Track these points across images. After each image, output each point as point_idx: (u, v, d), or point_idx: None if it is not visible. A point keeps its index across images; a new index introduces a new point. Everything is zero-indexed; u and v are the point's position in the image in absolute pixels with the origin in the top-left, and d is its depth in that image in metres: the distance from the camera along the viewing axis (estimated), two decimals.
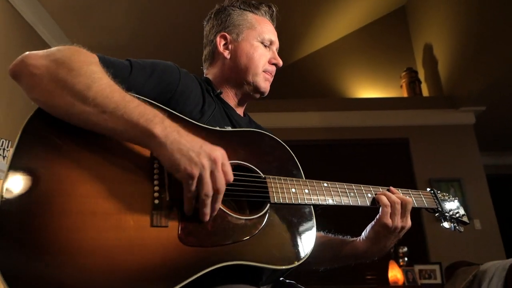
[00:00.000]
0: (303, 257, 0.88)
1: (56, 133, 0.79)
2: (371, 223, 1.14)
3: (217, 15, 1.31)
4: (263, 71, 1.25)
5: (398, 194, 1.13)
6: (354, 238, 1.19)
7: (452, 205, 1.32)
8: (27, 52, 0.84)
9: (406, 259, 4.41)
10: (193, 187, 0.78)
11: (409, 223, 1.13)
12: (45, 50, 0.85)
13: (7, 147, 2.74)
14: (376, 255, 1.15)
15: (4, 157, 2.68)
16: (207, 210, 0.80)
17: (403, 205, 1.11)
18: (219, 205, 0.82)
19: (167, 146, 0.78)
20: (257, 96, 1.28)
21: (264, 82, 1.26)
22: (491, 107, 5.13)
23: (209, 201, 0.79)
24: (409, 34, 6.59)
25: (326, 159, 5.18)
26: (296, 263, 0.86)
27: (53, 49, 0.85)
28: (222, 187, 0.79)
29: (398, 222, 1.10)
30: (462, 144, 5.18)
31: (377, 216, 1.11)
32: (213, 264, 0.76)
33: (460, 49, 5.14)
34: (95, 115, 0.78)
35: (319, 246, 1.19)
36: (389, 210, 1.09)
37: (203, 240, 0.79)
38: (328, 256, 1.21)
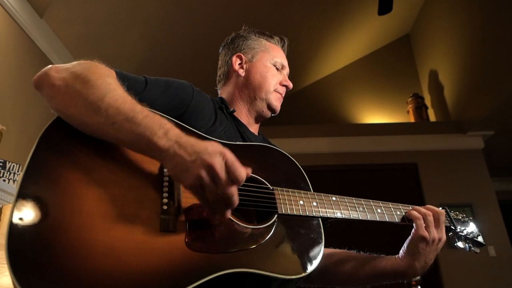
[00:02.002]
0: (311, 268, 0.87)
1: (71, 141, 0.82)
2: (407, 240, 1.13)
3: (233, 40, 1.39)
4: (274, 91, 1.30)
5: (428, 207, 1.14)
6: (390, 256, 1.16)
7: (466, 225, 1.29)
8: (50, 65, 0.89)
9: (419, 287, 4.28)
10: (201, 196, 0.78)
11: (444, 235, 1.12)
12: (67, 64, 0.90)
13: (18, 171, 2.77)
14: (418, 272, 1.11)
15: (14, 181, 2.71)
16: (219, 215, 0.79)
17: (435, 216, 1.12)
18: (228, 213, 0.80)
19: (168, 159, 0.78)
20: (269, 114, 1.32)
21: (276, 101, 1.31)
22: (499, 132, 5.11)
23: (219, 206, 0.78)
24: (414, 60, 6.68)
25: (335, 184, 5.13)
26: (303, 274, 0.85)
27: (74, 62, 0.90)
28: (226, 189, 0.76)
29: (435, 233, 1.09)
30: (471, 169, 5.12)
31: (413, 231, 1.11)
32: (219, 271, 0.75)
33: (465, 74, 5.18)
34: (106, 126, 0.80)
35: (349, 263, 1.18)
36: (422, 222, 1.10)
37: (209, 247, 0.79)
38: (364, 275, 1.16)
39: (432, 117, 6.10)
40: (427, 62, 6.28)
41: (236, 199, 0.78)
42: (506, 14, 4.26)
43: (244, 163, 1.00)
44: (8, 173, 2.73)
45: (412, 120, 5.92)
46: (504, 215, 4.87)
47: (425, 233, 1.08)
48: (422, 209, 1.13)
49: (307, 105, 6.41)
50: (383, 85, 6.46)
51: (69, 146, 0.81)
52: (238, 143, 1.08)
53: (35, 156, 0.76)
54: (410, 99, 6.03)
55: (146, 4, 4.01)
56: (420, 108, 5.93)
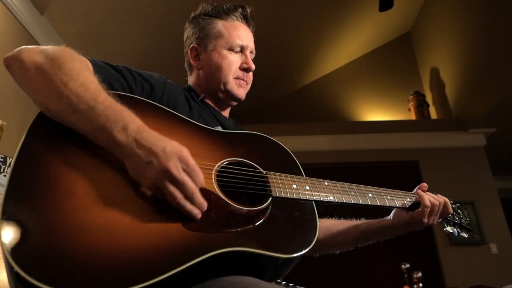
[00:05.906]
0: (307, 247, 0.87)
1: (61, 126, 0.81)
2: (406, 213, 1.19)
3: (191, 24, 1.33)
4: (235, 78, 1.24)
5: (438, 196, 1.22)
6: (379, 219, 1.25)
7: (455, 211, 1.34)
8: (23, 46, 0.86)
9: (421, 284, 4.25)
10: (163, 196, 0.77)
11: (436, 221, 1.21)
12: (40, 46, 0.87)
13: None
14: (400, 233, 1.23)
15: None
16: (191, 212, 0.78)
17: (444, 206, 1.20)
18: (198, 214, 0.79)
19: (127, 158, 0.77)
20: (234, 103, 1.30)
21: (238, 89, 1.25)
22: (501, 129, 5.09)
23: (183, 207, 0.77)
24: (415, 58, 6.67)
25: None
26: (300, 253, 0.85)
27: (48, 47, 0.87)
28: (188, 191, 0.77)
29: (431, 220, 1.18)
30: (473, 166, 5.10)
31: (415, 212, 1.16)
32: (215, 249, 0.75)
33: (467, 72, 5.16)
34: (69, 114, 0.78)
35: (337, 234, 1.27)
36: (428, 210, 1.16)
37: (206, 227, 0.79)
38: (350, 239, 1.27)
39: (433, 114, 6.09)
40: (428, 59, 6.26)
41: (200, 199, 0.78)
42: (507, 11, 4.24)
43: (237, 148, 1.02)
44: (9, 168, 2.74)
45: (413, 117, 5.90)
46: (506, 213, 4.85)
47: (426, 220, 1.15)
48: (434, 200, 1.18)
49: (308, 103, 6.41)
50: (384, 83, 6.45)
51: (59, 132, 0.80)
52: (229, 131, 1.11)
53: (25, 143, 0.76)
54: (411, 96, 6.01)
55: (146, 1, 4.02)
56: (421, 105, 5.91)
